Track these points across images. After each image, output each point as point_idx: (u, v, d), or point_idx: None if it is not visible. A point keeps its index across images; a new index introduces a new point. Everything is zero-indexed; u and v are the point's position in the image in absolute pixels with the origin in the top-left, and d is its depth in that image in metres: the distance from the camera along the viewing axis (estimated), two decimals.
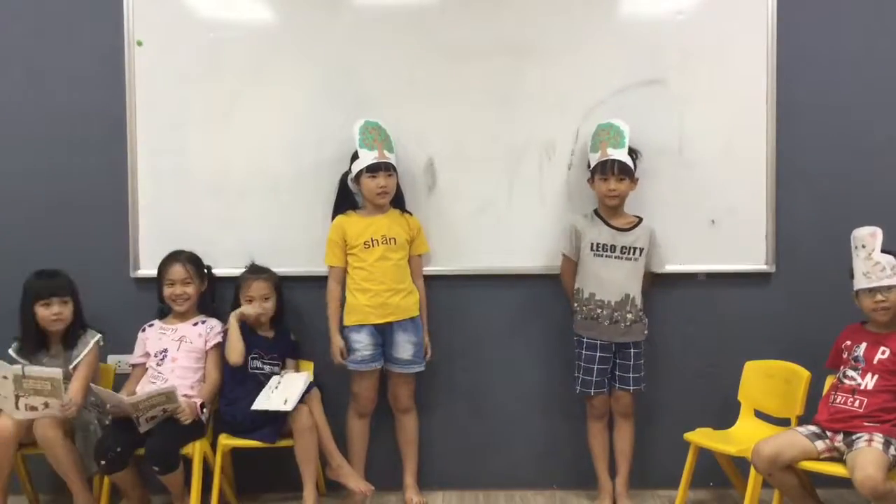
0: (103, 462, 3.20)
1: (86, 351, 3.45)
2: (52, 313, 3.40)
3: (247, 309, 3.50)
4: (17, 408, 3.22)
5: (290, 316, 3.68)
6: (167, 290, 3.53)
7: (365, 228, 3.52)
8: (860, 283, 3.20)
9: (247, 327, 3.53)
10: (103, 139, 3.68)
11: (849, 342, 3.25)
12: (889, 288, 3.14)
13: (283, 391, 3.37)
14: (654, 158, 3.64)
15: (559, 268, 3.65)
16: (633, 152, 3.52)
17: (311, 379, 3.47)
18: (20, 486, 3.54)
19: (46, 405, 3.21)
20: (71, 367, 3.43)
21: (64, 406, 3.21)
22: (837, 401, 3.16)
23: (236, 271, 3.62)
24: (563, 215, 3.68)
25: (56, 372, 3.24)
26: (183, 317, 3.57)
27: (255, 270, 3.59)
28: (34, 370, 3.23)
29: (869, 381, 3.13)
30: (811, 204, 3.73)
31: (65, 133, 3.70)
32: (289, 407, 3.30)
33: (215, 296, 3.67)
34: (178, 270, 3.52)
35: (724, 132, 3.71)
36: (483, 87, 3.68)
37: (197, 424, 3.34)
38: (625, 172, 3.46)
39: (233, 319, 3.48)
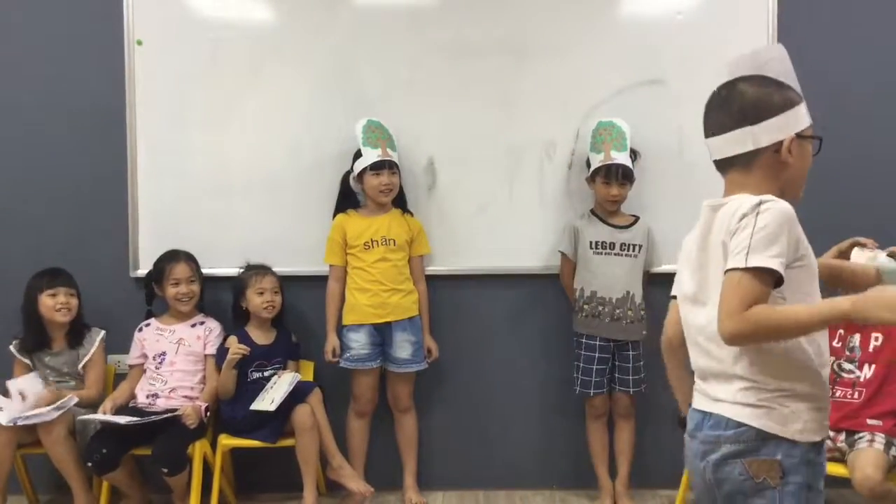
0: (90, 464, 3.21)
1: (93, 349, 3.48)
2: (59, 303, 3.40)
3: (235, 350, 3.42)
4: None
5: (290, 316, 3.68)
6: (172, 290, 3.51)
7: (365, 229, 3.52)
8: None
9: (247, 337, 3.51)
10: (103, 139, 3.68)
11: (842, 330, 3.28)
12: None
13: (272, 392, 3.38)
14: (654, 159, 3.64)
15: (559, 268, 3.66)
16: (632, 153, 3.52)
17: (299, 378, 3.47)
18: (20, 486, 3.54)
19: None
20: (80, 365, 3.46)
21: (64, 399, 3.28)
22: (837, 395, 3.19)
23: (236, 271, 3.61)
24: (563, 215, 3.68)
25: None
26: (181, 316, 3.57)
27: (260, 266, 3.57)
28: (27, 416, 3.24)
29: (867, 371, 3.17)
30: (810, 204, 3.70)
31: (65, 133, 3.69)
32: (272, 407, 3.30)
33: (205, 295, 3.63)
34: (183, 269, 3.52)
35: None
36: (483, 87, 3.68)
37: (199, 425, 3.34)
38: (627, 177, 3.47)
39: (226, 367, 3.42)
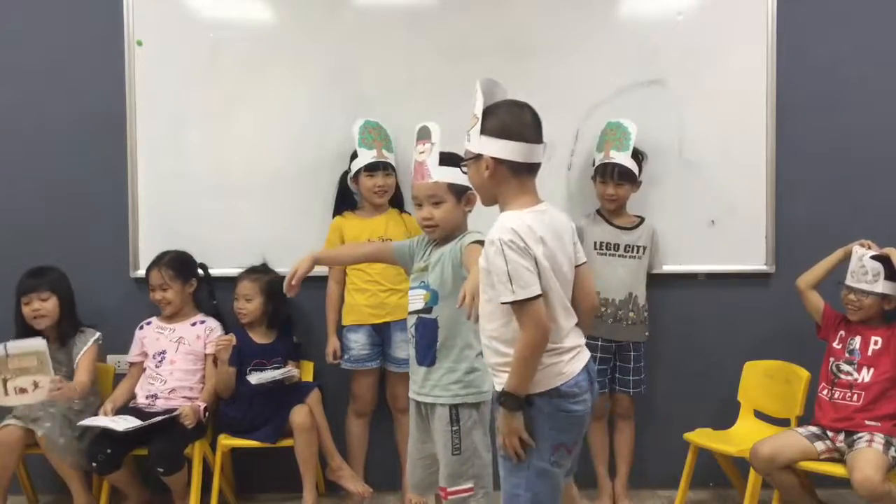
0: (94, 464, 3.21)
1: (86, 347, 3.45)
2: (32, 310, 3.39)
3: (216, 344, 3.44)
4: (6, 393, 3.23)
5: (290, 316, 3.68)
6: (151, 296, 3.53)
7: (363, 230, 3.52)
8: (847, 278, 3.28)
9: (246, 336, 3.52)
10: (103, 139, 3.68)
11: (843, 332, 3.28)
12: (863, 292, 3.20)
13: (264, 374, 3.41)
14: (654, 159, 3.63)
15: None
16: (638, 154, 3.51)
17: (295, 374, 3.49)
18: (20, 486, 3.54)
19: (36, 385, 3.22)
20: (75, 363, 3.44)
21: (55, 381, 3.21)
22: (836, 396, 3.19)
23: (236, 271, 3.60)
24: None
25: (39, 343, 3.26)
26: (181, 316, 3.57)
27: (252, 270, 3.58)
28: (16, 345, 3.24)
29: (865, 375, 3.17)
30: (811, 204, 3.74)
31: (65, 133, 3.69)
32: (253, 381, 3.36)
33: (214, 295, 3.65)
34: (153, 276, 3.51)
35: (724, 132, 3.71)
36: None
37: (198, 425, 3.35)
38: (625, 178, 3.45)
39: (220, 364, 3.43)
